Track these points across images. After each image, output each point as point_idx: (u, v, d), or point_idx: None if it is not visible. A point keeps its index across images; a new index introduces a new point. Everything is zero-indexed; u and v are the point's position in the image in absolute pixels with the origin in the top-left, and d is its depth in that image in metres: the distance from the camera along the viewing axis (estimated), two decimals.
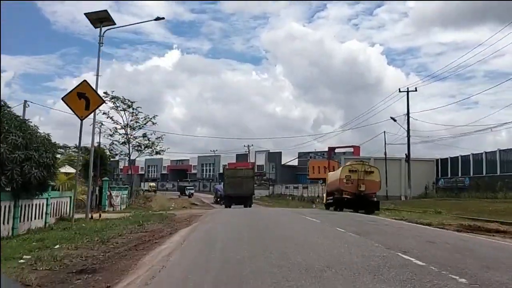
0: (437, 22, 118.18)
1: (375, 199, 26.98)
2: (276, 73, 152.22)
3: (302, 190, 68.09)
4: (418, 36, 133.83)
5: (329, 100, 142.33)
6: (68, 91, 14.80)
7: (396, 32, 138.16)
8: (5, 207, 11.54)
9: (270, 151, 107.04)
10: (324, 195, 33.13)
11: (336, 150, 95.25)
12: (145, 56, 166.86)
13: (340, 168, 28.97)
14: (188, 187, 78.79)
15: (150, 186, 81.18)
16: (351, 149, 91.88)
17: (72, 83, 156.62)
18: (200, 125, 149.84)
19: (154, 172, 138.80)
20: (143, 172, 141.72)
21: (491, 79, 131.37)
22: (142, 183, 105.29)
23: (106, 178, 29.08)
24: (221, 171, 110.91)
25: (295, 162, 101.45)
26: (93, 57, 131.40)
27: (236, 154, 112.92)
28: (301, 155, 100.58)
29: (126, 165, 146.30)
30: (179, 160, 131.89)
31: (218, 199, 53.06)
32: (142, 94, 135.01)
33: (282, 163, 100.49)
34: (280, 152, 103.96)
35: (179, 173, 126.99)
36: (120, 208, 30.65)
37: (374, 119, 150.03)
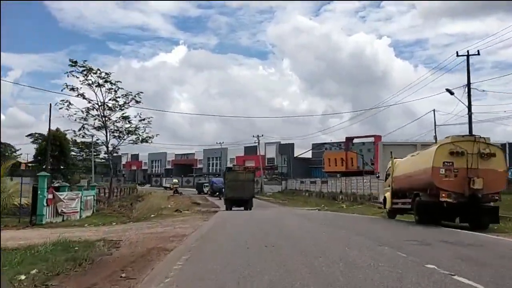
0: (445, 13, 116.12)
1: (493, 203, 15.73)
2: (283, 67, 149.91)
3: (321, 185, 59.20)
4: (426, 28, 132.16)
5: (336, 93, 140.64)
6: None
7: (404, 24, 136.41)
8: None
9: (281, 142, 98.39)
10: (387, 194, 21.36)
11: (355, 140, 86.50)
12: (152, 52, 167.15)
13: (432, 149, 16.71)
14: (205, 184, 69.77)
15: (173, 184, 70.43)
16: (372, 139, 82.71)
17: (79, 81, 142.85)
18: (207, 121, 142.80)
19: (158, 167, 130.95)
20: (146, 168, 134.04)
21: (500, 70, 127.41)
22: (163, 179, 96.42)
23: (43, 174, 20.21)
24: (228, 164, 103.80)
25: (308, 155, 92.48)
26: (101, 54, 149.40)
27: (244, 147, 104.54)
28: (315, 147, 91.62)
29: (129, 160, 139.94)
30: (184, 154, 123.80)
31: (214, 192, 53.54)
32: (149, 90, 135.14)
33: (295, 155, 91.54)
34: (293, 144, 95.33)
35: (184, 168, 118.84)
36: (80, 216, 22.06)
37: (385, 112, 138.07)
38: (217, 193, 52.40)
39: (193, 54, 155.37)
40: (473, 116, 30.71)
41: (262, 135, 72.41)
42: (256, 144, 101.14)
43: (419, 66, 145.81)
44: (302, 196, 61.03)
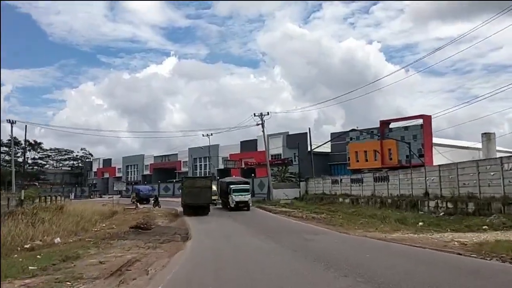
0: (434, 17, 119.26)
1: None
2: (274, 74, 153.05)
3: (362, 186, 35.47)
4: (416, 32, 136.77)
5: (328, 99, 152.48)
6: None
7: (393, 29, 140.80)
8: None
9: (290, 133, 74.33)
10: None
11: (393, 124, 62.70)
12: (142, 64, 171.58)
13: None
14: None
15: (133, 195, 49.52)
16: (419, 121, 58.41)
17: (70, 94, 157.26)
18: (201, 129, 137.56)
19: (134, 173, 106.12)
20: (120, 174, 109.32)
21: (490, 72, 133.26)
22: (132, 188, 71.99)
23: None
24: (220, 166, 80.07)
25: (324, 148, 68.10)
26: (91, 67, 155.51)
27: (241, 142, 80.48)
28: (335, 137, 67.59)
29: (101, 166, 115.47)
30: (165, 156, 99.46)
31: (141, 200, 48.17)
32: (141, 101, 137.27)
33: (309, 149, 66.65)
34: (305, 134, 70.96)
35: (166, 172, 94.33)
36: None
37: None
38: (145, 201, 48.22)
39: (184, 64, 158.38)
40: None
41: (268, 113, 47.99)
42: (255, 138, 78.11)
43: (410, 70, 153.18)
44: (339, 204, 37.03)
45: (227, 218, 29.53)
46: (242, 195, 35.49)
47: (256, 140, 77.22)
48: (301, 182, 50.56)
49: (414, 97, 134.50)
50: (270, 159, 53.41)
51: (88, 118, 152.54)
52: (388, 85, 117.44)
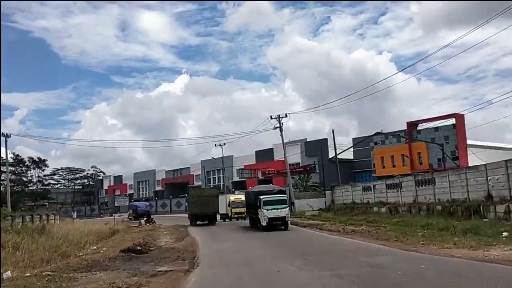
0: (443, 24, 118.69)
1: None
2: (285, 88, 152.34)
3: (401, 192, 30.34)
4: (426, 41, 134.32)
5: (341, 111, 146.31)
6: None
7: (403, 38, 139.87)
8: None
9: (308, 139, 69.26)
10: None
11: (421, 126, 57.44)
12: (155, 83, 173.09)
13: None
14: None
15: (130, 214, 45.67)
16: (451, 120, 52.99)
17: (85, 115, 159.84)
18: (214, 146, 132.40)
19: (146, 190, 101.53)
20: (132, 191, 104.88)
21: (503, 78, 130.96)
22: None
23: None
24: (235, 177, 75.19)
25: (347, 155, 62.84)
26: (104, 87, 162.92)
27: (256, 152, 75.58)
28: (358, 142, 62.33)
29: (111, 184, 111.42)
30: (177, 170, 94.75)
31: (138, 216, 45.28)
32: (154, 119, 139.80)
33: (330, 156, 61.34)
34: (325, 140, 66.02)
35: (178, 187, 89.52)
36: None
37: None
38: (145, 218, 43.14)
39: (196, 81, 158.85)
40: None
41: (286, 115, 42.79)
42: (272, 147, 73.19)
43: (421, 79, 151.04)
44: (374, 214, 31.79)
45: (246, 234, 24.84)
46: (277, 208, 25.95)
47: (272, 149, 72.36)
48: (326, 191, 45.16)
49: (427, 105, 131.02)
50: (289, 167, 48.18)
51: (103, 138, 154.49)
52: (391, 90, 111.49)
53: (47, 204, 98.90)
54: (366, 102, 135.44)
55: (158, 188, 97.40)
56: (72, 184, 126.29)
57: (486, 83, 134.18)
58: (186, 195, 40.39)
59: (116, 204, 42.90)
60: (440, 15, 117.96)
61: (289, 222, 26.27)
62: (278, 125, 42.78)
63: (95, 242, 24.55)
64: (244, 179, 62.17)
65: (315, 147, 64.97)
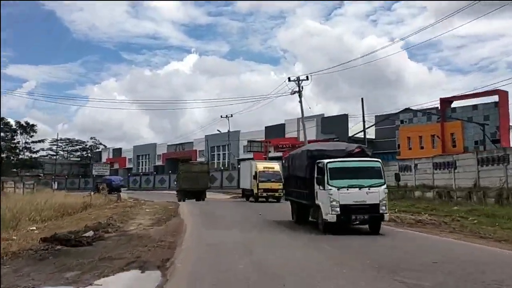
0: (457, 14, 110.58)
1: None
2: (295, 71, 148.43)
3: (454, 174, 23.36)
4: (439, 30, 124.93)
5: (350, 96, 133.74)
6: None
7: (416, 26, 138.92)
8: None
9: (325, 115, 62.13)
10: None
11: (455, 104, 50.28)
12: (164, 61, 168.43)
13: None
14: (98, 182, 49.27)
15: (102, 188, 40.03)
16: (491, 98, 45.84)
17: (93, 90, 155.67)
18: (221, 126, 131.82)
19: (146, 164, 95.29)
20: (131, 165, 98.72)
21: None
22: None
23: None
24: (241, 154, 68.85)
25: (367, 135, 55.36)
26: (114, 63, 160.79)
27: (266, 127, 68.63)
28: (380, 120, 55.09)
29: (110, 157, 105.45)
30: (179, 145, 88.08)
31: (112, 190, 41.12)
32: (162, 98, 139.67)
33: (350, 134, 54.12)
34: (346, 116, 58.92)
35: (179, 163, 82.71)
36: None
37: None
38: (114, 192, 40.73)
39: (205, 61, 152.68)
40: None
41: (307, 78, 35.60)
42: (283, 122, 66.28)
43: (433, 68, 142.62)
44: (417, 199, 24.82)
45: (252, 211, 19.46)
46: (361, 186, 13.14)
47: (283, 125, 65.50)
48: None
49: (437, 96, 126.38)
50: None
51: (110, 114, 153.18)
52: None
53: (41, 175, 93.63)
54: (376, 89, 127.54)
55: (159, 163, 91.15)
56: (71, 156, 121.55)
57: (498, 75, 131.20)
58: (177, 170, 36.56)
59: (93, 173, 36.53)
60: (455, 4, 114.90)
61: (386, 216, 13.12)
62: (296, 89, 35.66)
63: (52, 218, 18.09)
64: (253, 152, 54.86)
65: (333, 124, 57.91)
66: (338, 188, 12.64)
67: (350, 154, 14.04)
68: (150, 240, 10.41)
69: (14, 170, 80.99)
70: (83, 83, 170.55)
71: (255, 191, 28.96)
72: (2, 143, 71.73)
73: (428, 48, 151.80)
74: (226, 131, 67.27)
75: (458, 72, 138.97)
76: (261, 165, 30.27)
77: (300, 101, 35.93)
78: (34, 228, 13.91)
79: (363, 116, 42.34)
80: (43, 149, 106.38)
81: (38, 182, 58.24)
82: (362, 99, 41.75)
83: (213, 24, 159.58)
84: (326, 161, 13.20)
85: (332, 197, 12.58)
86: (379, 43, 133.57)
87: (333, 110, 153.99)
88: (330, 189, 12.65)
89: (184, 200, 29.18)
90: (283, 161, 21.77)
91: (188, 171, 32.32)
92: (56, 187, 54.82)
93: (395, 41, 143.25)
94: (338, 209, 12.47)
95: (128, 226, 13.68)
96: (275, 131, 64.53)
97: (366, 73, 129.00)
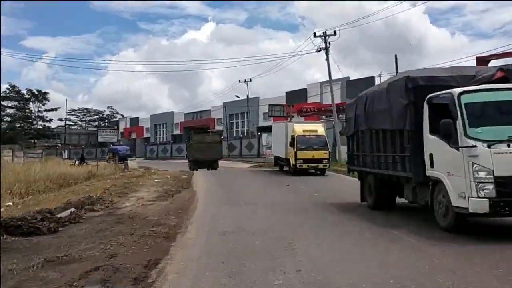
0: None
1: None
2: (314, 39, 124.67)
3: None
4: None
5: (370, 62, 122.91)
6: None
7: None
8: None
9: (351, 78, 58.06)
10: None
11: (494, 61, 44.45)
12: (181, 30, 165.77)
13: None
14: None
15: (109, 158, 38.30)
16: None
17: (111, 61, 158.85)
18: (239, 92, 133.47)
19: (163, 134, 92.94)
20: (148, 135, 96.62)
21: None
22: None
23: None
24: (261, 122, 65.80)
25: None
26: (132, 33, 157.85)
27: (286, 92, 64.78)
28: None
29: (127, 126, 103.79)
30: (196, 113, 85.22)
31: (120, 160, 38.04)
32: (179, 67, 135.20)
33: None
34: (372, 78, 54.78)
35: (204, 131, 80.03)
36: None
37: None
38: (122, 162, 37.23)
39: (223, 29, 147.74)
40: None
41: (335, 33, 31.70)
42: (305, 87, 62.61)
43: (456, 33, 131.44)
44: None
45: (284, 184, 16.33)
46: None
47: (305, 89, 61.78)
48: None
49: (459, 62, 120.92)
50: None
51: (129, 85, 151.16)
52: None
53: (59, 145, 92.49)
54: (397, 54, 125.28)
55: (176, 131, 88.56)
56: (89, 126, 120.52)
57: None
58: (188, 140, 37.16)
59: (99, 140, 33.83)
60: None
61: None
62: (324, 45, 32.02)
63: (44, 190, 15.51)
64: (275, 117, 51.48)
65: (359, 87, 53.78)
66: (490, 145, 6.59)
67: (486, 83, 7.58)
68: (144, 223, 7.47)
69: (31, 140, 79.53)
70: (101, 54, 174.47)
71: (292, 161, 22.26)
72: (14, 112, 69.83)
73: (451, 13, 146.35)
74: (245, 97, 64.04)
75: (482, 37, 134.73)
76: (299, 128, 23.36)
77: (327, 59, 32.48)
78: (11, 203, 11.15)
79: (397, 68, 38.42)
80: (60, 119, 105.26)
81: (53, 152, 56.58)
82: (395, 56, 37.75)
83: None
84: (458, 90, 7.14)
85: (478, 163, 6.57)
86: (401, 8, 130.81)
87: (353, 76, 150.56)
88: (473, 147, 6.63)
89: (196, 170, 28.39)
90: (346, 112, 15.15)
91: (201, 141, 32.08)
92: (66, 156, 52.83)
93: (417, 4, 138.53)
94: (491, 186, 6.50)
95: (125, 201, 10.81)
96: (297, 96, 60.74)
97: (386, 38, 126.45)
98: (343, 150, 33.48)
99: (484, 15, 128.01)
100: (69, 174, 21.38)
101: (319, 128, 23.56)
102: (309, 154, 21.78)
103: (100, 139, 32.24)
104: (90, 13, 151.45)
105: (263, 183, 17.99)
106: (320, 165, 21.80)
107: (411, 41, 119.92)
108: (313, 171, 22.15)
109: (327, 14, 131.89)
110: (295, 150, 21.85)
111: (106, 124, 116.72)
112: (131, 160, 37.96)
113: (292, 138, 22.42)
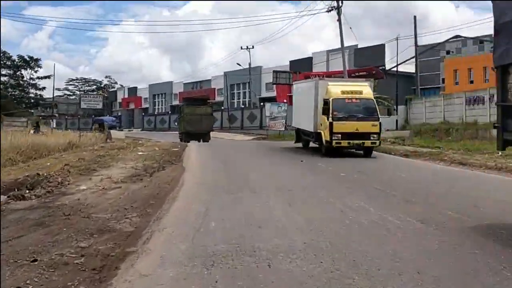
0: None
1: None
2: (317, 10, 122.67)
3: None
4: None
5: (373, 36, 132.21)
6: None
7: None
8: None
9: (359, 46, 54.57)
10: None
11: None
12: (182, 1, 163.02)
13: None
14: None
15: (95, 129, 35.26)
16: None
17: (112, 31, 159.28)
18: (241, 61, 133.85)
19: (162, 104, 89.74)
20: (147, 105, 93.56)
21: None
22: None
23: None
24: (263, 93, 63.11)
25: (406, 68, 48.29)
26: (132, 4, 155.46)
27: (290, 61, 61.32)
28: (427, 49, 47.12)
29: (126, 96, 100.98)
30: (196, 83, 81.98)
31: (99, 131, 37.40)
32: (181, 39, 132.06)
33: (387, 67, 46.86)
34: (382, 46, 51.47)
35: (197, 103, 76.75)
36: None
37: None
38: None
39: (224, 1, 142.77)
40: None
41: None
42: (310, 55, 59.14)
43: (460, 6, 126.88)
44: (488, 140, 17.84)
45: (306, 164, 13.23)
46: None
47: (310, 58, 58.32)
48: (398, 106, 31.42)
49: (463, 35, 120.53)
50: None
51: (130, 56, 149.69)
52: None
53: (56, 115, 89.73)
54: (400, 30, 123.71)
55: (175, 102, 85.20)
56: (87, 96, 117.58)
57: None
58: (179, 111, 36.93)
59: (82, 106, 30.56)
60: None
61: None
62: (334, 5, 28.63)
63: (5, 164, 12.78)
64: (281, 84, 47.71)
65: (368, 56, 50.46)
66: None
67: None
68: (80, 227, 4.58)
69: (29, 110, 76.49)
70: (102, 25, 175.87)
71: (325, 136, 15.81)
72: (4, 79, 66.36)
73: None
74: (247, 67, 60.76)
75: (488, 11, 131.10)
76: (336, 88, 16.60)
77: (339, 19, 29.00)
78: None
79: (416, 41, 35.27)
80: (58, 89, 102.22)
81: (48, 122, 53.99)
82: (414, 17, 34.32)
83: None
84: None
85: None
86: None
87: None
88: None
89: (188, 142, 28.30)
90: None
91: (192, 113, 31.84)
92: (54, 126, 50.13)
93: None
94: None
95: (83, 182, 7.91)
96: (302, 65, 57.00)
97: (390, 13, 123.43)
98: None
99: None
100: (44, 145, 18.58)
101: (365, 89, 16.95)
102: (351, 126, 15.63)
103: (83, 105, 28.99)
104: None
105: (274, 160, 14.72)
106: (368, 142, 15.65)
107: (415, 14, 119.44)
108: (353, 150, 16.59)
109: None
110: (330, 120, 15.65)
111: (104, 94, 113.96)
112: (119, 130, 36.18)
113: (326, 102, 16.03)
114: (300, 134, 19.78)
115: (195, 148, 18.40)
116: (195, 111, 32.30)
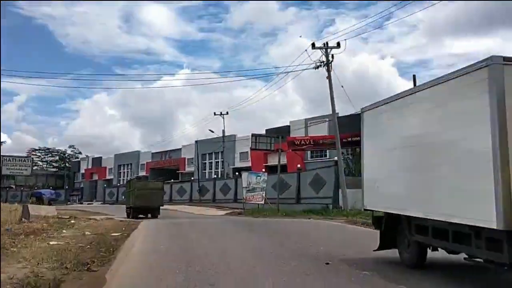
0: (449, 32, 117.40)
1: None
2: (286, 88, 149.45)
3: None
4: (430, 48, 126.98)
5: (341, 113, 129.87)
6: None
7: (407, 44, 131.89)
8: None
9: (340, 114, 51.19)
10: None
11: None
12: (156, 76, 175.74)
13: None
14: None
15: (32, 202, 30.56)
16: None
17: (83, 104, 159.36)
18: (213, 115, 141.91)
19: (128, 175, 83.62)
20: (111, 176, 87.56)
21: None
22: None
23: None
24: (237, 163, 59.04)
25: None
26: (106, 78, 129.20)
27: (266, 130, 57.29)
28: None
29: (89, 167, 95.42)
30: (165, 152, 77.38)
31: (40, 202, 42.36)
32: (154, 112, 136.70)
33: None
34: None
35: (166, 173, 71.15)
36: None
37: None
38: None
39: (197, 76, 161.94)
40: None
41: (339, 45, 24.38)
42: (288, 124, 55.45)
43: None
44: None
45: None
46: None
47: (288, 127, 54.51)
48: None
49: None
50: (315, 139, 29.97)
51: (101, 129, 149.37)
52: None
53: (13, 186, 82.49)
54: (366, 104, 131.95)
55: (142, 173, 79.59)
56: (50, 166, 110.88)
57: None
58: (128, 186, 36.49)
59: (4, 172, 25.83)
60: (446, 22, 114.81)
61: None
62: (323, 59, 24.91)
63: None
64: (260, 150, 42.58)
65: (351, 123, 46.77)
66: None
67: None
68: None
69: None
70: (74, 98, 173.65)
71: None
72: None
73: (419, 67, 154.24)
74: (220, 135, 56.86)
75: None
76: None
77: (329, 76, 25.19)
78: None
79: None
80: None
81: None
82: (414, 76, 31.21)
83: (205, 40, 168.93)
84: None
85: None
86: (370, 61, 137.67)
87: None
88: None
89: (137, 217, 29.19)
90: None
91: (143, 188, 32.46)
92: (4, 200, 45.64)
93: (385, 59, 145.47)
94: None
95: None
96: (279, 134, 53.36)
97: (356, 89, 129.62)
98: (349, 194, 25.83)
99: (451, 69, 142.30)
100: None
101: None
102: None
103: (5, 171, 23.28)
104: (64, 56, 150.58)
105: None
106: None
107: (381, 92, 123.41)
108: None
109: (299, 66, 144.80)
110: None
111: (67, 164, 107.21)
112: (53, 204, 35.27)
113: None
114: (402, 230, 8.23)
115: (147, 229, 13.09)
116: (147, 185, 33.42)
